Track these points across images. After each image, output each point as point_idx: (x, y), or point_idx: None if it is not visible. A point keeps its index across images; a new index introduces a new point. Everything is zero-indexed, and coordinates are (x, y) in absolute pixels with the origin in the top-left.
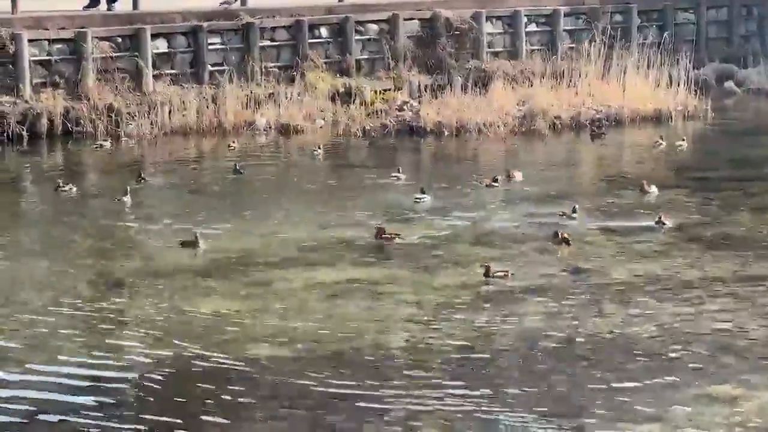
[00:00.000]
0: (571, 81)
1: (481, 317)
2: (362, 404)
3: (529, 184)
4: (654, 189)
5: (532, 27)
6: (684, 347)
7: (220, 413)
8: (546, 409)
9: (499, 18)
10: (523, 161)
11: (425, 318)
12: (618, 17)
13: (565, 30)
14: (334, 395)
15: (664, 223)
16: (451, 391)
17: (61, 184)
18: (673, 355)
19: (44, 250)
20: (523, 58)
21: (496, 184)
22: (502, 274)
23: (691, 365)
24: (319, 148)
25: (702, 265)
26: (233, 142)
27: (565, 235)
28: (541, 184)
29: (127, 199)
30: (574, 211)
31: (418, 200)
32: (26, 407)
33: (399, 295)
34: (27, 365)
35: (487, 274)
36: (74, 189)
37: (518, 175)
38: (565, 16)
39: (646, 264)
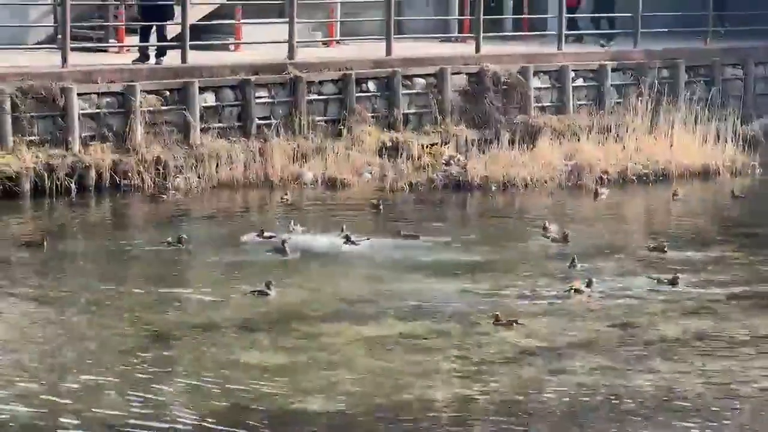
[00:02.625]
0: (618, 136)
1: (526, 372)
2: None
3: (573, 239)
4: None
5: (580, 82)
6: (732, 405)
7: None
8: None
9: (546, 73)
10: (569, 216)
11: (470, 373)
12: (665, 72)
13: (612, 85)
14: None
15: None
16: None
17: (174, 239)
18: (721, 413)
19: (92, 300)
20: (570, 112)
21: (548, 237)
22: (506, 321)
23: (739, 424)
24: (380, 203)
25: (750, 322)
26: (285, 194)
27: (577, 286)
28: (584, 240)
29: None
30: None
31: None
32: None
33: (444, 349)
34: (67, 416)
35: (496, 321)
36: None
37: (554, 228)
38: (612, 71)
39: (694, 320)
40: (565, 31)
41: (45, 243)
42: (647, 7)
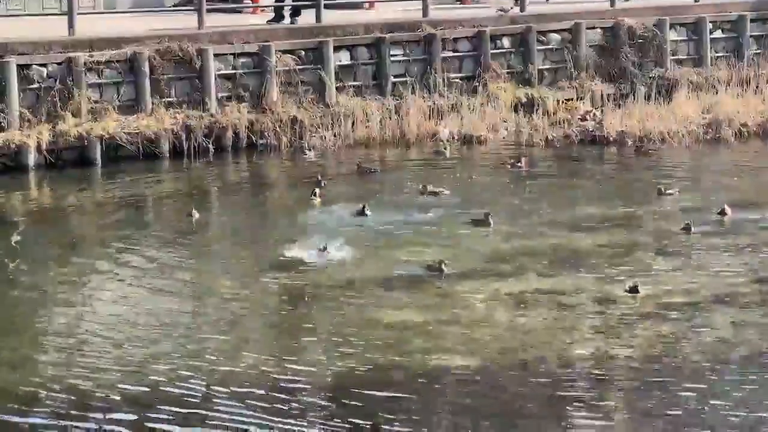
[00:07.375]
0: (757, 88)
1: (666, 328)
2: (546, 413)
3: (714, 194)
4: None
5: (717, 33)
6: None
7: (405, 422)
8: (736, 421)
9: (683, 25)
10: (710, 170)
11: (609, 329)
12: None
13: (751, 36)
14: (519, 407)
15: None
16: (636, 404)
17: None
18: None
19: (236, 260)
20: (708, 65)
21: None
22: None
23: None
24: (520, 160)
25: None
26: (444, 148)
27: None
28: (723, 194)
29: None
30: None
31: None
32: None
33: (584, 305)
34: (212, 376)
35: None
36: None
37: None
38: (751, 21)
39: None
40: None
41: (193, 215)
42: None
